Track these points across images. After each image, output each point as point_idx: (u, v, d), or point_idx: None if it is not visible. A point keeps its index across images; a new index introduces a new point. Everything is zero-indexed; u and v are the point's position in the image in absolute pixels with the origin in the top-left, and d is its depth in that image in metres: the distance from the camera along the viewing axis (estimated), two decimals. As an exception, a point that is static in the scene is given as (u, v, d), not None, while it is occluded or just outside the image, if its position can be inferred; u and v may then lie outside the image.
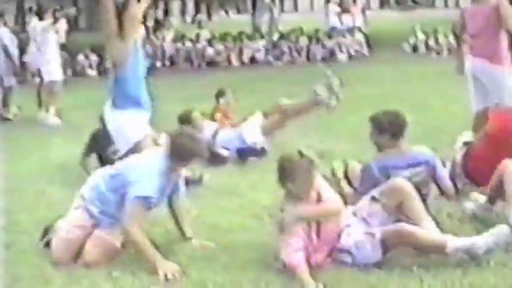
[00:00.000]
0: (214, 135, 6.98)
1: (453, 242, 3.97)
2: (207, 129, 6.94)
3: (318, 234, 4.07)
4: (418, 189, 4.33)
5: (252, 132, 7.04)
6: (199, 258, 4.23)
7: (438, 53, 18.58)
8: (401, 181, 4.30)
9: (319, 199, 4.12)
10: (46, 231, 4.48)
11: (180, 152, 4.31)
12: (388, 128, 4.60)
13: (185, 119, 6.80)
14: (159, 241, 4.39)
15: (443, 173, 4.87)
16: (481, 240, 3.94)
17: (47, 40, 10.22)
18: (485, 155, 5.00)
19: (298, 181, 4.02)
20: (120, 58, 4.94)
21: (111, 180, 4.34)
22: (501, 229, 3.99)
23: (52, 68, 10.22)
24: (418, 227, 4.08)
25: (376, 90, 11.54)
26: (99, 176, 4.47)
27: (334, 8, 19.89)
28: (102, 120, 5.71)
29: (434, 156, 4.76)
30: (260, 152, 6.92)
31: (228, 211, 5.17)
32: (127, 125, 5.05)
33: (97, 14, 31.38)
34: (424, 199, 4.41)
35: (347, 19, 19.11)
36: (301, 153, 4.07)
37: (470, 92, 6.40)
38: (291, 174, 4.03)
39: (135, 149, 4.88)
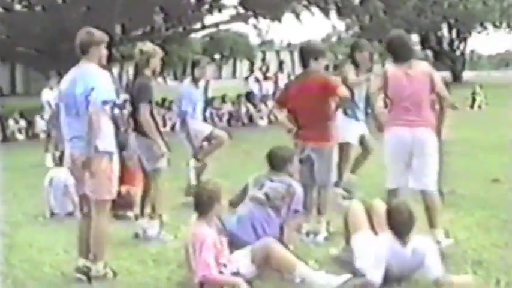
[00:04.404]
0: None
1: (302, 268, 4.70)
2: None
3: None
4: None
5: None
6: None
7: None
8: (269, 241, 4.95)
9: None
10: None
11: None
12: None
13: None
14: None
15: None
16: (324, 278, 4.70)
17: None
18: None
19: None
20: None
21: None
22: (345, 278, 4.69)
23: None
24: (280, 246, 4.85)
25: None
26: None
27: (256, 74, 21.00)
28: None
29: None
30: None
31: (118, 258, 5.84)
32: None
33: (33, 80, 32.14)
34: None
35: (267, 85, 19.98)
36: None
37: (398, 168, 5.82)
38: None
39: None
